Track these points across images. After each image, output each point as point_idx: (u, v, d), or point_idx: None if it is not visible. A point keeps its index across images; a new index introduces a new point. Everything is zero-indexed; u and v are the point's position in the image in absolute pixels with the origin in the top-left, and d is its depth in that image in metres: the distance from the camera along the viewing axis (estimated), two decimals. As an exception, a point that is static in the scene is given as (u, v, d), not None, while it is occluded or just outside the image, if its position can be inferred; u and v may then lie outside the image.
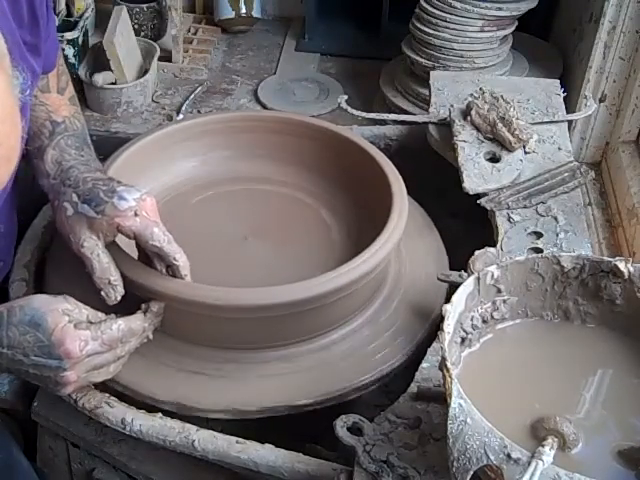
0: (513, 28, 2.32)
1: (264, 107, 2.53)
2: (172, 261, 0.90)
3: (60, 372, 0.83)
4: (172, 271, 0.92)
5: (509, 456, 0.62)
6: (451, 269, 1.08)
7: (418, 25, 2.28)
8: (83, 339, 0.82)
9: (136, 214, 0.89)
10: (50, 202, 0.97)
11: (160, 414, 0.90)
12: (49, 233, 1.14)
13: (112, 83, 2.40)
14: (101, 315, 0.87)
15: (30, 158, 1.02)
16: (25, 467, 0.98)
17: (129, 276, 0.92)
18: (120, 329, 0.86)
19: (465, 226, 1.26)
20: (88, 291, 1.02)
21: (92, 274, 0.89)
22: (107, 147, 1.12)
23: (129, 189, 0.91)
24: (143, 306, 0.90)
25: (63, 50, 2.20)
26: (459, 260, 1.00)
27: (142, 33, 2.73)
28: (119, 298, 0.90)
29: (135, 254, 0.97)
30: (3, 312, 0.84)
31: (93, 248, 0.89)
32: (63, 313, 0.83)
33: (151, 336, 0.91)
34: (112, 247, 0.94)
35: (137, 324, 0.88)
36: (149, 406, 0.92)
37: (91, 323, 0.85)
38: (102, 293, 0.90)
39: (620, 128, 2.17)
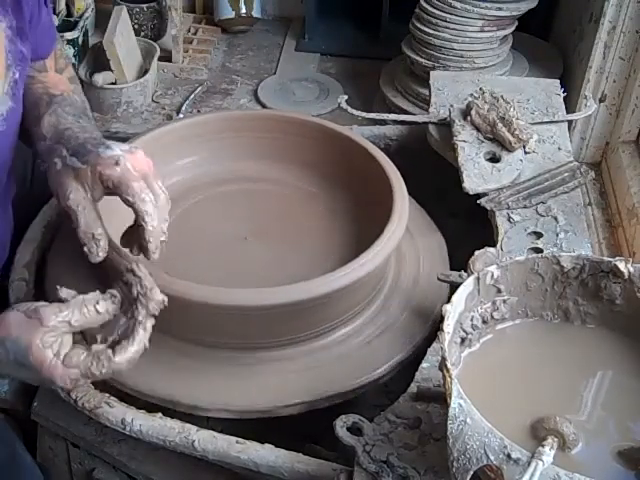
0: (513, 28, 2.32)
1: (264, 107, 2.54)
2: (141, 221, 0.84)
3: (58, 389, 0.85)
4: (140, 244, 0.85)
5: (509, 456, 0.62)
6: (451, 269, 1.08)
7: (418, 25, 2.29)
8: (72, 378, 0.80)
9: (117, 163, 0.83)
10: (45, 165, 0.92)
11: (160, 414, 0.90)
12: (49, 233, 1.14)
13: (112, 83, 2.40)
14: (84, 311, 0.82)
15: (27, 131, 1.00)
16: (29, 463, 0.98)
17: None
18: (114, 368, 0.80)
19: (465, 226, 1.26)
20: (87, 290, 1.02)
21: (77, 227, 0.85)
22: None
23: (119, 143, 0.87)
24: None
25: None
26: (459, 260, 1.00)
27: (142, 33, 2.73)
28: (102, 256, 0.86)
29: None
30: None
31: (79, 200, 0.85)
32: (43, 347, 0.79)
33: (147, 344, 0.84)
34: (119, 250, 0.94)
35: (136, 352, 0.81)
36: (149, 406, 0.92)
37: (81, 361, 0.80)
38: (85, 249, 0.85)
39: (620, 128, 2.18)
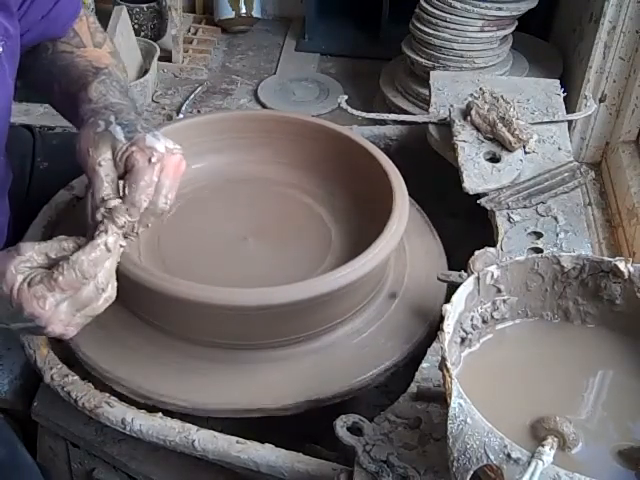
0: (513, 28, 2.33)
1: (264, 107, 2.54)
2: (113, 214, 0.81)
3: (41, 330, 0.79)
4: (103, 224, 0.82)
5: (509, 456, 0.62)
6: (451, 269, 1.08)
7: (418, 25, 2.29)
8: (37, 296, 0.76)
9: (150, 160, 0.82)
10: (83, 123, 0.89)
11: (160, 414, 0.90)
12: (49, 233, 1.14)
13: (112, 83, 2.39)
14: (56, 251, 0.79)
15: (70, 98, 0.98)
16: (29, 463, 0.98)
17: (129, 276, 0.92)
18: (76, 267, 0.77)
19: (465, 226, 1.26)
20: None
21: (95, 194, 0.83)
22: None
23: (167, 139, 0.85)
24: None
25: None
26: (459, 260, 1.00)
27: (142, 33, 2.73)
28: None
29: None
30: None
31: (108, 171, 0.83)
32: (16, 272, 0.77)
33: (124, 243, 0.82)
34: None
35: (98, 250, 0.79)
36: (149, 405, 0.92)
37: (47, 268, 0.78)
38: (98, 216, 0.82)
39: (620, 128, 2.18)
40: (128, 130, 0.85)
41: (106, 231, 0.81)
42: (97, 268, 0.79)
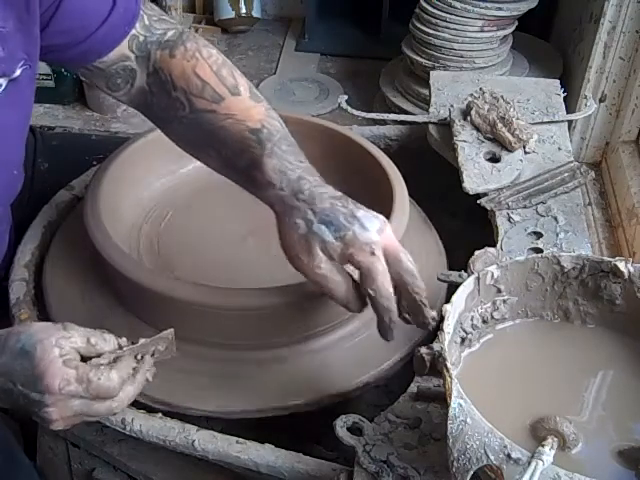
0: (513, 28, 2.33)
1: (264, 107, 2.53)
2: (378, 313, 0.84)
3: (42, 407, 0.77)
4: (378, 325, 0.86)
5: (509, 456, 0.62)
6: (451, 269, 1.08)
7: (418, 25, 2.29)
8: (65, 377, 0.76)
9: (373, 253, 0.81)
10: (276, 212, 0.89)
11: (160, 414, 0.90)
12: (49, 233, 1.14)
13: (112, 83, 2.39)
14: (102, 349, 0.80)
15: (241, 174, 0.94)
16: (26, 466, 0.98)
17: (129, 276, 0.92)
18: (116, 376, 0.78)
19: (465, 226, 1.26)
20: (88, 291, 1.02)
21: (336, 296, 0.84)
22: (107, 147, 1.12)
23: (369, 216, 0.83)
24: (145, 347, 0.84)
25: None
26: (459, 260, 0.99)
27: (142, 33, 2.72)
28: (360, 306, 0.86)
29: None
30: (3, 334, 0.79)
31: (329, 266, 0.82)
32: (55, 345, 0.77)
33: (150, 378, 0.84)
34: (118, 249, 0.94)
35: (141, 375, 0.81)
36: (148, 406, 0.92)
37: (84, 361, 0.78)
38: (352, 307, 0.85)
39: (620, 128, 2.18)
40: (335, 229, 0.82)
41: (149, 371, 0.83)
42: (126, 398, 0.80)
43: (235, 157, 0.93)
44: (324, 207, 0.84)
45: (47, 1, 0.87)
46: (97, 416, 0.81)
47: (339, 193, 0.88)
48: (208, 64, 0.94)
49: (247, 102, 0.94)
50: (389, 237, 0.83)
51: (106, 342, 0.80)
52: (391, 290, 0.82)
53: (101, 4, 0.92)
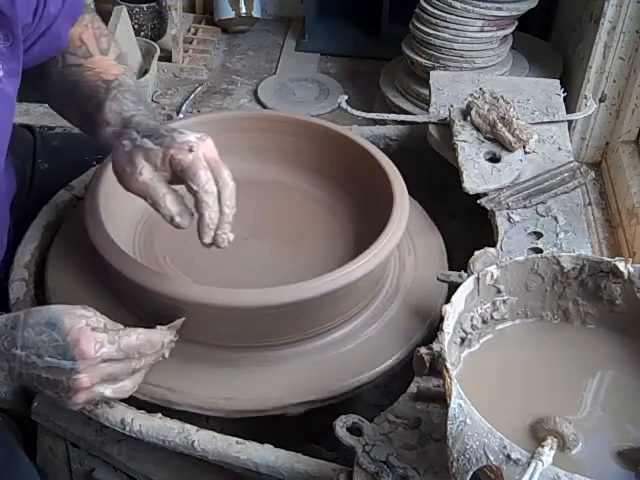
0: (513, 28, 2.32)
1: (264, 107, 2.53)
2: (201, 210, 0.86)
3: (73, 375, 0.80)
4: (198, 228, 0.87)
5: (509, 456, 0.62)
6: (451, 269, 1.08)
7: (418, 25, 2.29)
8: (99, 340, 0.80)
9: (191, 150, 0.86)
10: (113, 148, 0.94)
11: (160, 414, 0.90)
12: (49, 233, 1.14)
13: (112, 83, 2.39)
14: (119, 326, 0.86)
15: (86, 118, 1.02)
16: (27, 465, 0.98)
17: (129, 276, 0.92)
18: (139, 338, 0.84)
19: (465, 226, 1.26)
20: (88, 291, 1.02)
21: (156, 202, 0.87)
22: (107, 147, 1.11)
23: (190, 132, 0.90)
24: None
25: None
26: (459, 260, 1.00)
27: (142, 33, 2.73)
28: (189, 221, 0.88)
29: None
30: (20, 314, 0.83)
31: (151, 176, 0.87)
32: (81, 316, 0.82)
33: (167, 354, 0.88)
34: (118, 249, 0.94)
35: (156, 337, 0.86)
36: (149, 405, 0.92)
37: (109, 330, 0.84)
38: (176, 219, 0.87)
39: (620, 128, 2.18)
40: (155, 137, 0.88)
41: (173, 336, 0.88)
42: (149, 351, 0.85)
43: (86, 102, 1.02)
44: (149, 128, 0.91)
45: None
46: (121, 377, 0.84)
47: (169, 126, 0.93)
48: (93, 31, 1.10)
49: (110, 62, 1.08)
50: (210, 147, 0.88)
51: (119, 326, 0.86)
52: (214, 188, 0.86)
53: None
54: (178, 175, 0.87)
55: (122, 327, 0.85)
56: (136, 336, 0.84)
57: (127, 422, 0.88)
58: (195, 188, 0.85)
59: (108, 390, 0.84)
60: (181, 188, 0.88)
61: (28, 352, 0.81)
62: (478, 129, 1.23)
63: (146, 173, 0.86)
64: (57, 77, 1.07)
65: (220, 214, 0.87)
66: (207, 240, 0.87)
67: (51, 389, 0.83)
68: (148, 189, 0.86)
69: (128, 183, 0.88)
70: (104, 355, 0.81)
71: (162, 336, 0.87)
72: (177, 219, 0.87)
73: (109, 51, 1.10)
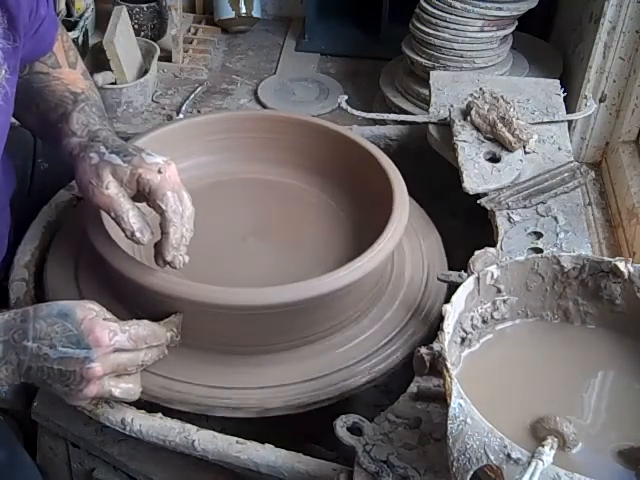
0: (513, 28, 2.32)
1: (264, 107, 2.53)
2: (167, 229, 0.89)
3: (87, 364, 0.81)
4: (160, 246, 0.90)
5: (509, 456, 0.62)
6: (451, 269, 1.08)
7: (418, 25, 2.29)
8: (112, 329, 0.83)
9: (160, 171, 0.90)
10: (73, 157, 0.97)
11: (160, 414, 0.90)
12: (49, 233, 1.14)
13: (112, 83, 2.40)
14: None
15: (50, 127, 1.03)
16: (29, 464, 0.98)
17: (129, 276, 0.92)
18: (146, 328, 0.86)
19: (465, 226, 1.26)
20: (88, 291, 1.02)
21: (118, 215, 0.90)
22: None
23: (156, 154, 0.93)
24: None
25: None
26: (459, 260, 1.00)
27: (142, 33, 2.73)
28: (149, 237, 0.91)
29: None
30: (29, 309, 0.84)
31: (116, 190, 0.90)
32: (90, 309, 0.84)
33: (167, 351, 0.90)
34: (118, 249, 0.94)
35: (161, 330, 0.88)
36: (149, 405, 0.92)
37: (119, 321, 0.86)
38: (136, 234, 0.89)
39: (620, 128, 2.18)
40: (123, 155, 0.92)
41: (176, 331, 0.91)
42: (155, 343, 0.87)
43: (50, 111, 1.04)
44: (117, 144, 0.95)
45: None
46: (130, 368, 0.85)
47: (135, 145, 0.98)
48: (62, 44, 1.12)
49: (78, 75, 1.11)
50: (174, 171, 0.92)
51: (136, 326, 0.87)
52: (180, 209, 0.90)
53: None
54: (143, 194, 0.91)
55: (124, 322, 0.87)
56: (143, 327, 0.86)
57: (127, 422, 0.88)
58: (164, 208, 0.89)
59: (117, 390, 0.85)
60: (143, 206, 0.93)
61: (40, 344, 0.81)
62: (478, 129, 1.23)
63: (112, 188, 0.90)
64: (21, 82, 1.06)
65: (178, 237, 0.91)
66: (169, 258, 0.90)
67: (61, 382, 0.83)
68: (113, 203, 0.89)
69: (92, 195, 0.91)
70: (117, 344, 0.82)
71: (165, 330, 0.89)
72: (137, 234, 0.90)
73: (77, 65, 1.13)
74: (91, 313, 0.83)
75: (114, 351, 0.83)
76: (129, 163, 0.91)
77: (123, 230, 0.90)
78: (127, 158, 0.91)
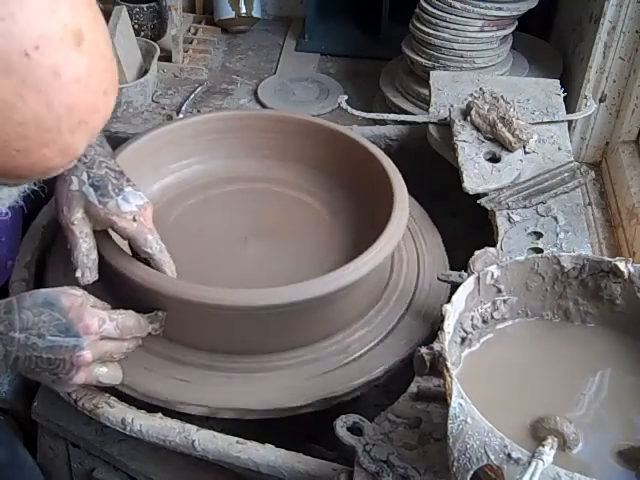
0: (513, 28, 2.32)
1: (264, 107, 2.53)
2: (161, 268, 0.94)
3: (77, 351, 0.81)
4: None
5: (509, 456, 0.62)
6: (451, 269, 1.08)
7: (418, 25, 2.28)
8: (101, 317, 0.84)
9: (134, 219, 0.93)
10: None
11: (160, 414, 0.90)
12: (49, 233, 1.14)
13: (112, 83, 2.39)
14: (107, 304, 0.88)
15: None
16: (30, 464, 0.98)
17: (129, 276, 0.92)
18: (132, 319, 0.87)
19: (465, 226, 1.26)
20: (88, 291, 1.02)
21: (73, 250, 0.92)
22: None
23: (135, 193, 0.94)
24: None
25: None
26: (459, 260, 1.00)
27: (142, 33, 2.73)
28: (91, 281, 0.93)
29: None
30: (12, 299, 0.83)
31: (82, 227, 0.92)
32: (75, 295, 0.84)
33: (141, 341, 0.91)
34: (115, 247, 0.94)
35: (144, 320, 0.90)
36: (149, 405, 0.92)
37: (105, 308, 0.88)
38: (77, 273, 0.92)
39: (620, 128, 2.17)
40: (100, 193, 0.93)
41: (158, 326, 0.93)
42: (138, 333, 0.89)
43: None
44: (99, 173, 0.94)
45: None
46: (116, 355, 0.87)
47: (119, 168, 0.97)
48: None
49: None
50: (149, 215, 0.95)
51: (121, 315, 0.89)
52: (163, 246, 0.94)
53: None
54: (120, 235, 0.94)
55: (108, 305, 0.88)
56: (129, 317, 0.87)
57: (128, 422, 0.88)
58: (150, 252, 0.93)
59: (103, 377, 0.87)
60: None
61: (28, 334, 0.81)
62: (478, 129, 1.23)
63: (78, 224, 0.92)
64: None
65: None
66: None
67: (50, 370, 0.83)
68: (72, 237, 0.92)
69: (60, 220, 0.94)
70: (105, 332, 0.84)
71: (148, 322, 0.91)
72: (77, 273, 0.92)
73: None
74: (77, 300, 0.84)
75: (102, 338, 0.84)
76: (104, 206, 0.92)
77: (72, 260, 0.93)
78: (104, 200, 0.92)
